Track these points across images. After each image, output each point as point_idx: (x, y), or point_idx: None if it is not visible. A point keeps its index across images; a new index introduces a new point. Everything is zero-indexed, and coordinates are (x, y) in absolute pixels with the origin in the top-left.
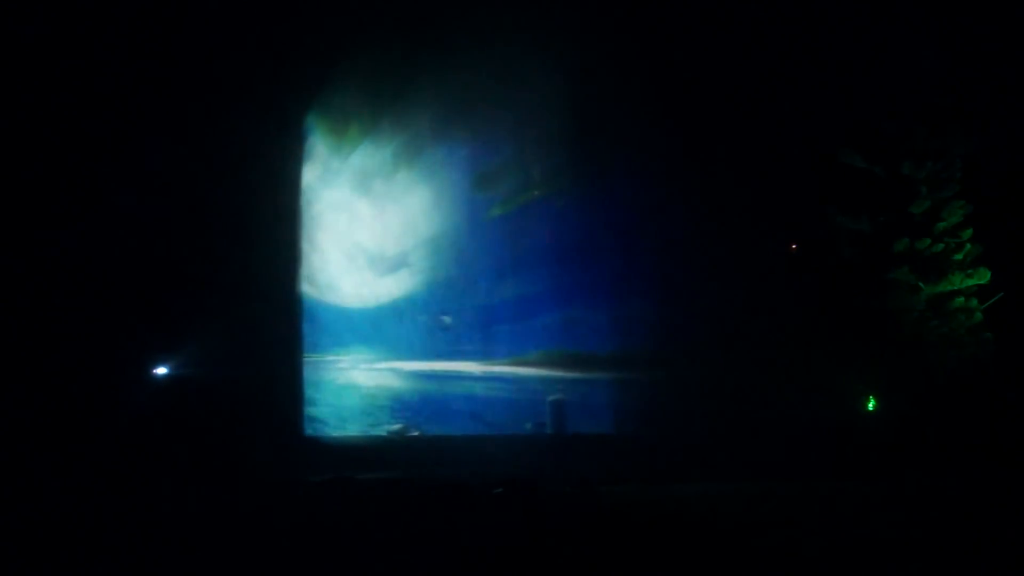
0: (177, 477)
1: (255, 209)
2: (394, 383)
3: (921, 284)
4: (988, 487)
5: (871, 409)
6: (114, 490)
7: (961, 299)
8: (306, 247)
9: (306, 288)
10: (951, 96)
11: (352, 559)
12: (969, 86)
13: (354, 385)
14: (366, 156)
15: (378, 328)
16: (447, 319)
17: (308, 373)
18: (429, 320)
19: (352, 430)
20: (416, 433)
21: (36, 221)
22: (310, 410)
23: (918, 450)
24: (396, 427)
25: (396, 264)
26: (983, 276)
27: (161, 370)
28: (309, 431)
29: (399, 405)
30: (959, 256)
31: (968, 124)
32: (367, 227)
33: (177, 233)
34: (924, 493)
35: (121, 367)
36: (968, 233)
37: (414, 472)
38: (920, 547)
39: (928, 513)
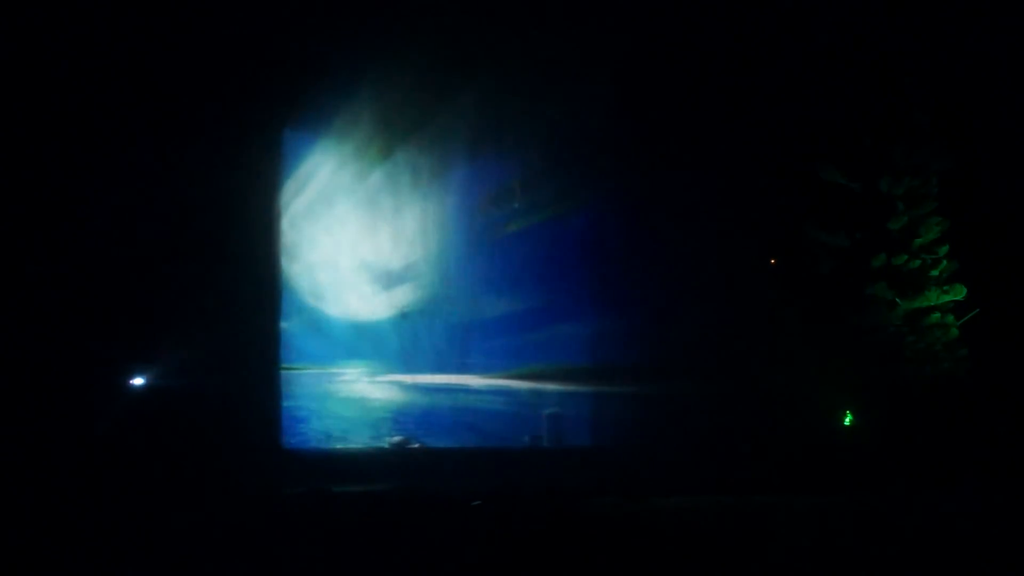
0: (151, 489)
1: (232, 219)
2: (396, 396)
3: (898, 300)
4: (964, 501)
5: (847, 424)
6: (86, 502)
7: (937, 315)
8: (311, 260)
9: (310, 301)
10: (929, 113)
11: (326, 571)
12: (947, 103)
13: (356, 397)
14: (366, 170)
15: (380, 341)
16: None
17: (311, 386)
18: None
19: (355, 442)
20: (416, 445)
21: (7, 231)
22: (318, 423)
23: (894, 465)
24: (396, 439)
25: (397, 278)
26: (959, 292)
27: (136, 381)
28: (313, 443)
29: (400, 417)
30: (936, 272)
31: (946, 141)
32: (369, 241)
33: (152, 243)
34: (900, 508)
35: (94, 376)
36: (945, 249)
37: (398, 484)
38: (897, 562)
39: (904, 528)
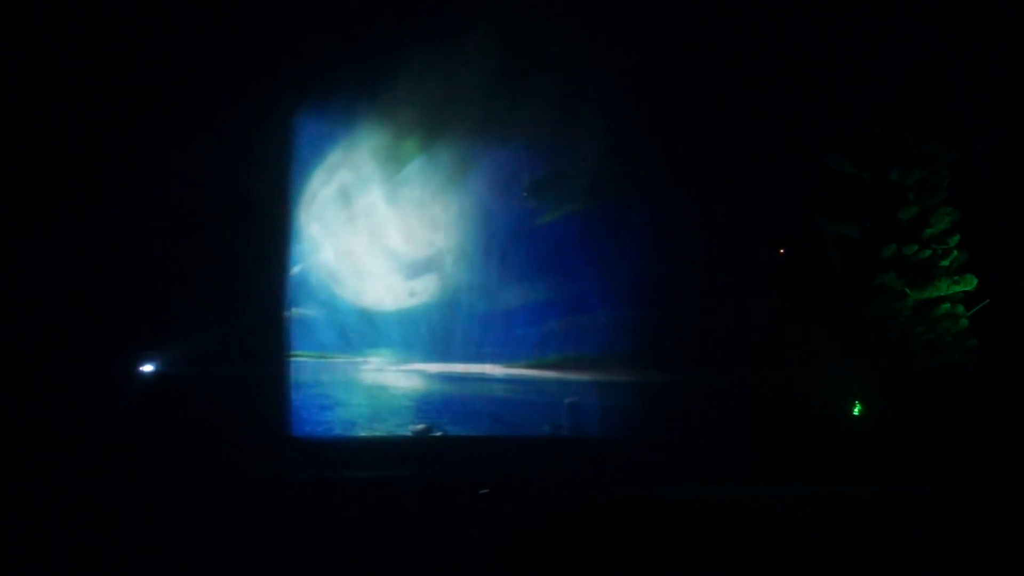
0: (162, 476)
1: (242, 208)
2: (419, 385)
3: (908, 290)
4: (973, 492)
5: (856, 414)
6: (99, 489)
7: (947, 305)
8: (334, 250)
9: (332, 290)
10: (939, 103)
11: (334, 557)
12: (957, 93)
13: (380, 386)
14: (385, 161)
15: (403, 331)
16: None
17: (336, 374)
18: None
19: (378, 430)
20: (439, 433)
21: (18, 222)
22: (341, 411)
23: (903, 455)
24: (419, 427)
25: (420, 269)
26: (969, 283)
27: (147, 369)
28: (339, 432)
29: (423, 406)
30: (946, 262)
31: (955, 131)
32: (390, 232)
33: (162, 231)
34: (908, 499)
35: (106, 366)
36: (955, 239)
37: (409, 472)
38: (904, 551)
39: (912, 518)
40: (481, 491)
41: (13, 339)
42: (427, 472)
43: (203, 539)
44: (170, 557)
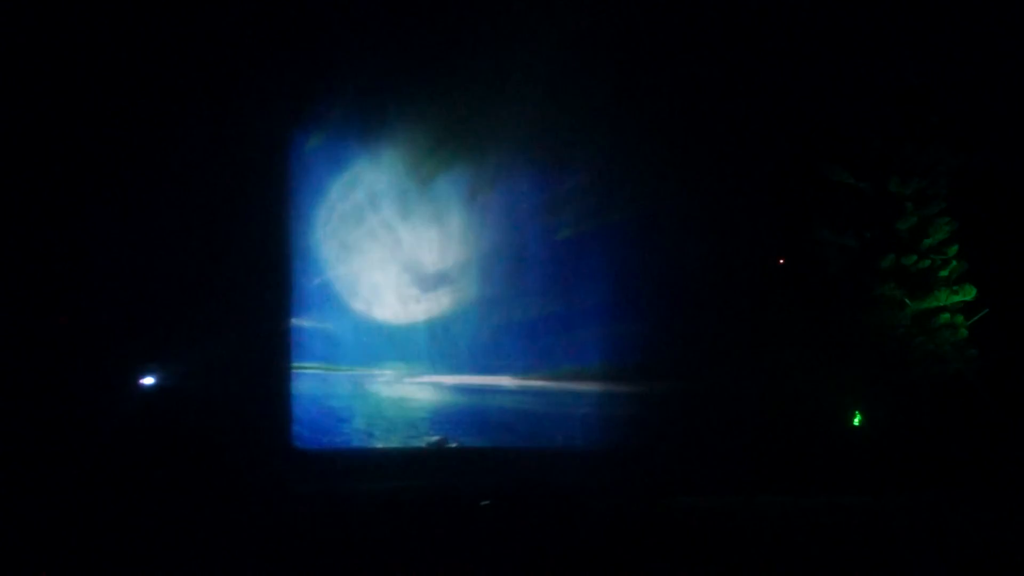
0: (164, 489)
1: (246, 220)
2: (434, 396)
3: (907, 300)
4: (972, 502)
5: (856, 424)
6: (102, 502)
7: (946, 315)
8: (347, 263)
9: (351, 304)
10: (938, 113)
11: (336, 569)
12: (956, 103)
13: (396, 398)
14: (409, 174)
15: (420, 343)
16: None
17: (355, 387)
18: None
19: (394, 442)
20: (454, 445)
21: (21, 235)
22: (357, 423)
23: (902, 465)
24: (435, 439)
25: (437, 281)
26: (968, 293)
27: (149, 382)
28: (356, 443)
29: (439, 417)
30: (945, 272)
31: (954, 141)
32: (409, 244)
33: (167, 243)
34: (908, 508)
35: (109, 378)
36: (954, 250)
37: (426, 483)
38: (904, 561)
39: (912, 528)
40: (482, 503)
41: (17, 350)
42: (443, 483)
43: (211, 551)
44: (178, 571)
